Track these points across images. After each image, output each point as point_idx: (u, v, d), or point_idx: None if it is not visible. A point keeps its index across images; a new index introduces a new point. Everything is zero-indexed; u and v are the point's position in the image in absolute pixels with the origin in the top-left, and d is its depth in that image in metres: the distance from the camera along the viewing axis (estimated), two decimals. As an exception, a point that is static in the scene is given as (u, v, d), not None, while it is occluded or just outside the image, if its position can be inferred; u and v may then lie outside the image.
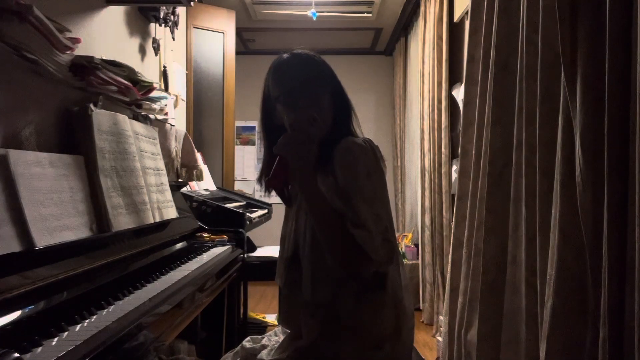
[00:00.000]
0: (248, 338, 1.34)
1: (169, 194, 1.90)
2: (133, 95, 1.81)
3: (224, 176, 3.94)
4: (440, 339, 2.77)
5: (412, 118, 4.62)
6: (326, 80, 1.20)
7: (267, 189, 1.21)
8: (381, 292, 1.15)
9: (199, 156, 2.79)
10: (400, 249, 4.38)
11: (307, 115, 1.13)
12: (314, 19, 4.18)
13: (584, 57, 1.32)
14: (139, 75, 1.88)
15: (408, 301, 1.22)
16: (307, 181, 1.10)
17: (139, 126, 1.80)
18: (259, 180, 1.24)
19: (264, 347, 1.29)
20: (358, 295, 1.15)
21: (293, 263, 1.21)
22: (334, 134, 1.17)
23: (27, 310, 0.99)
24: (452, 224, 2.48)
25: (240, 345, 1.33)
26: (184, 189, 2.44)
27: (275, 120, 1.21)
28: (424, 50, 3.85)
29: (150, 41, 2.53)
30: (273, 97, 1.19)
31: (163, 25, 2.60)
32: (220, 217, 2.40)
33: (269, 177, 1.13)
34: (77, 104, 1.50)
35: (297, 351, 1.17)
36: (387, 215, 1.14)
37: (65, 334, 0.94)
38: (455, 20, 3.36)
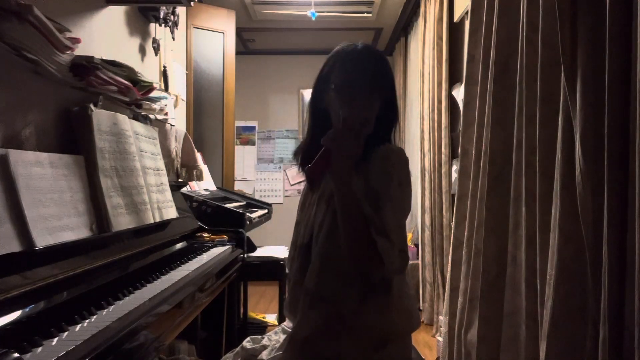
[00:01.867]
0: (248, 338, 1.34)
1: (169, 194, 1.90)
2: (133, 95, 1.81)
3: (224, 176, 3.94)
4: (440, 339, 2.77)
5: (412, 118, 4.62)
6: (386, 85, 1.21)
7: (306, 175, 1.21)
8: (387, 295, 1.16)
9: (199, 156, 2.79)
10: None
11: (361, 115, 1.14)
12: (314, 19, 4.18)
13: (584, 57, 1.32)
14: (139, 75, 1.88)
15: (413, 306, 1.22)
16: (344, 180, 1.10)
17: (139, 126, 1.80)
18: (295, 155, 1.26)
19: (264, 347, 1.29)
20: (364, 296, 1.15)
21: (307, 250, 1.22)
22: (376, 137, 1.18)
23: (27, 310, 0.99)
24: (452, 224, 2.48)
25: (240, 345, 1.33)
26: (184, 189, 2.44)
27: (324, 104, 1.21)
28: (424, 50, 3.85)
29: (150, 41, 2.53)
30: (332, 82, 1.19)
31: (163, 25, 2.60)
32: (220, 217, 2.40)
33: (311, 165, 1.13)
34: (77, 104, 1.50)
35: (297, 349, 1.17)
36: (406, 227, 1.15)
37: (65, 334, 0.94)
38: (455, 20, 3.36)
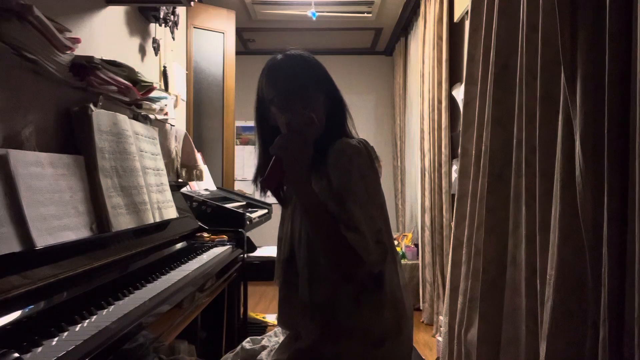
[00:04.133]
0: (248, 339, 1.34)
1: (169, 194, 1.90)
2: (133, 95, 1.81)
3: (224, 176, 3.94)
4: (440, 339, 2.77)
5: (412, 118, 4.62)
6: (320, 81, 1.20)
7: (263, 190, 1.20)
8: (379, 292, 1.15)
9: (199, 156, 2.79)
10: (400, 249, 4.38)
11: (304, 116, 1.12)
12: (314, 19, 4.18)
13: (584, 57, 1.32)
14: (139, 75, 1.88)
15: (407, 301, 1.21)
16: (301, 183, 1.10)
17: (139, 126, 1.80)
18: (254, 180, 1.23)
19: (263, 347, 1.29)
20: (356, 296, 1.15)
21: (290, 264, 1.21)
22: (329, 135, 1.16)
23: (27, 310, 0.99)
24: (452, 224, 2.48)
25: (240, 346, 1.33)
26: (184, 189, 2.44)
27: (270, 121, 1.21)
28: (424, 50, 3.86)
29: (150, 41, 2.53)
30: (267, 99, 1.19)
31: (163, 25, 2.60)
32: (220, 217, 2.40)
33: (264, 177, 1.13)
34: (77, 104, 1.50)
35: (298, 352, 1.17)
36: (382, 217, 1.13)
37: (65, 334, 0.94)
38: (455, 20, 3.36)
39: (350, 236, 1.06)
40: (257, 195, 5.55)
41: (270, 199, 1.58)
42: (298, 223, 1.19)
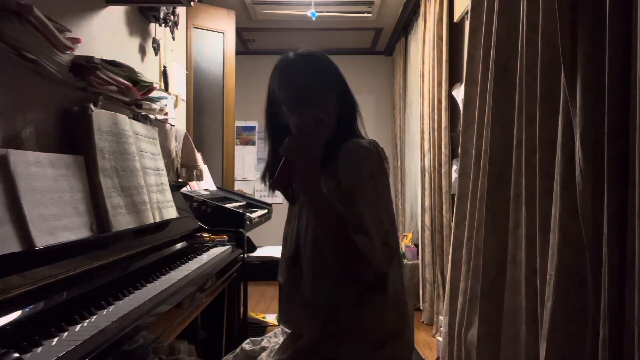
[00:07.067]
0: (247, 340, 1.34)
1: (169, 194, 1.90)
2: (133, 95, 1.81)
3: (224, 176, 3.94)
4: (440, 339, 2.77)
5: (412, 118, 4.62)
6: (332, 80, 1.19)
7: (272, 190, 1.19)
8: (383, 293, 1.15)
9: (199, 156, 2.79)
10: (400, 249, 4.38)
11: (314, 117, 1.12)
12: (314, 19, 4.18)
13: (584, 57, 1.32)
14: (139, 75, 1.88)
15: (409, 302, 1.22)
16: (311, 184, 1.09)
17: (139, 126, 1.80)
18: (263, 178, 1.23)
19: (263, 349, 1.29)
20: (359, 296, 1.15)
21: (294, 262, 1.21)
22: (339, 134, 1.16)
23: (27, 310, 0.99)
24: (452, 224, 2.48)
25: (239, 347, 1.33)
26: (184, 189, 2.44)
27: (280, 120, 1.19)
28: (424, 50, 3.85)
29: (150, 41, 2.53)
30: (278, 99, 1.18)
31: (163, 25, 2.60)
32: (220, 217, 2.40)
33: (274, 179, 1.12)
34: (77, 104, 1.50)
35: (298, 351, 1.17)
36: (389, 218, 1.13)
37: (65, 334, 0.94)
38: (455, 20, 3.36)
39: (358, 239, 1.06)
40: (257, 195, 5.54)
41: (270, 199, 1.59)
42: (305, 221, 1.19)
